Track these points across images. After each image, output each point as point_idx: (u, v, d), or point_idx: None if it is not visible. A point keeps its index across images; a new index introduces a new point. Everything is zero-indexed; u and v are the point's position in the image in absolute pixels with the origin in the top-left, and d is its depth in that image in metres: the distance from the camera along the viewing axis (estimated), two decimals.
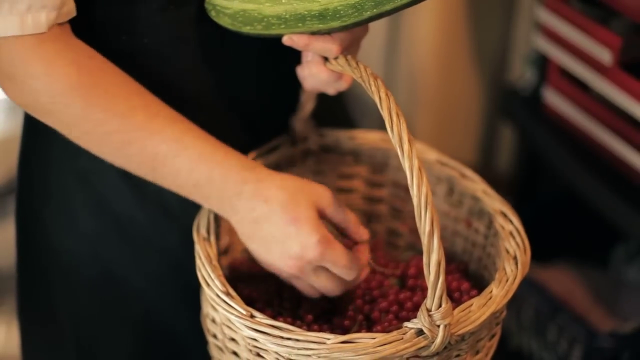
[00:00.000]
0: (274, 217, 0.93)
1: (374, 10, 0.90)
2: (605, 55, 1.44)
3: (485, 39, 1.96)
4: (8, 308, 1.90)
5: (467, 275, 1.07)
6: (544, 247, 1.34)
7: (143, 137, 0.93)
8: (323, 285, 0.95)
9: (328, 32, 0.93)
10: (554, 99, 1.59)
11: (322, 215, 0.95)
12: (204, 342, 1.03)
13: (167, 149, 0.94)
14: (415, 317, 0.97)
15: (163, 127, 0.94)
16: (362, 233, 0.99)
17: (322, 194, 0.96)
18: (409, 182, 0.83)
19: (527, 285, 1.59)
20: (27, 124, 1.11)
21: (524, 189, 1.85)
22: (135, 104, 0.94)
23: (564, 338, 1.57)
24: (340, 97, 1.12)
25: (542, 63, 1.62)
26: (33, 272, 1.15)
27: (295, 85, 1.04)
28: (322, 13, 0.91)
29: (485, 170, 2.07)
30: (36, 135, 1.09)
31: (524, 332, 1.65)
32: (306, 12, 0.92)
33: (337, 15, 0.91)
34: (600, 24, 1.47)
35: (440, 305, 0.84)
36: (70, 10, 0.92)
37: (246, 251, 1.07)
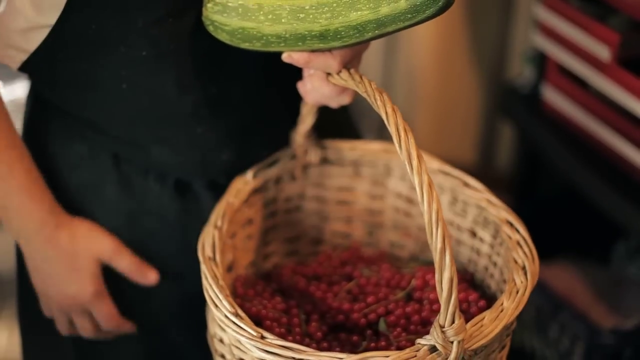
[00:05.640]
0: (60, 262, 1.05)
1: (376, 31, 0.88)
2: (603, 52, 1.44)
3: (483, 37, 1.96)
4: (10, 312, 1.90)
5: (474, 284, 1.06)
6: (544, 244, 1.34)
7: None
8: (81, 325, 1.09)
9: (328, 50, 0.92)
10: (553, 97, 1.58)
11: (108, 262, 1.07)
12: (205, 351, 1.01)
13: None
14: (423, 330, 0.96)
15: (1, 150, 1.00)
16: (148, 274, 1.08)
17: (106, 246, 1.06)
18: (419, 198, 0.81)
19: None
20: (26, 128, 1.11)
21: (523, 187, 1.84)
22: None
23: (565, 335, 1.57)
24: (344, 106, 1.11)
25: (541, 61, 1.62)
26: None
27: (295, 98, 1.03)
28: (323, 34, 0.89)
29: (485, 168, 2.07)
30: (36, 139, 1.09)
31: (526, 330, 1.65)
32: (307, 32, 0.90)
33: (338, 36, 0.89)
34: (599, 21, 1.46)
35: (453, 322, 0.83)
36: None
37: (250, 267, 1.07)
